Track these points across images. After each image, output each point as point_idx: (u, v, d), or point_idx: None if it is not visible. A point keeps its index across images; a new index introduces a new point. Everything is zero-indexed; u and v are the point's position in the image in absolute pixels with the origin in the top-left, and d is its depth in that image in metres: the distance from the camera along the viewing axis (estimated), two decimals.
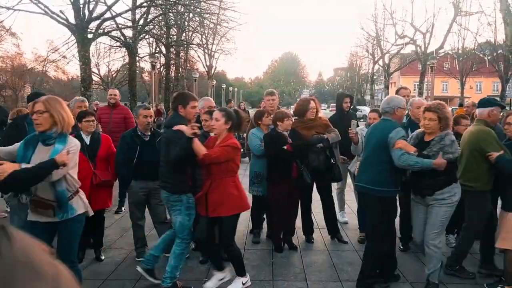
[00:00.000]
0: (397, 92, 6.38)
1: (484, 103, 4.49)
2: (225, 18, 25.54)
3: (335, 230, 5.72)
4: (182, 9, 20.74)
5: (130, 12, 17.34)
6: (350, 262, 4.91)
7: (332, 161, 5.37)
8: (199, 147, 3.85)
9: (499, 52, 29.14)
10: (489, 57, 32.20)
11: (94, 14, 13.81)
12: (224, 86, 50.64)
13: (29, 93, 5.61)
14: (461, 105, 18.40)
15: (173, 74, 29.08)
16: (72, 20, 13.37)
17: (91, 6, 13.56)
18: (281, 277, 4.52)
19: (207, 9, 20.28)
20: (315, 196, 5.71)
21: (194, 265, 4.85)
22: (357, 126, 5.86)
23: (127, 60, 22.20)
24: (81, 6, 13.27)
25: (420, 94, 28.42)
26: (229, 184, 3.95)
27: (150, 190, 4.89)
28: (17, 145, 3.40)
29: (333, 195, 5.87)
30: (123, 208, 6.88)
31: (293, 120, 5.44)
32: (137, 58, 22.45)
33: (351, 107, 6.50)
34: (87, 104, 5.72)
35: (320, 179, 5.51)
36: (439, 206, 3.95)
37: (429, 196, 3.98)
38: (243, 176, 9.33)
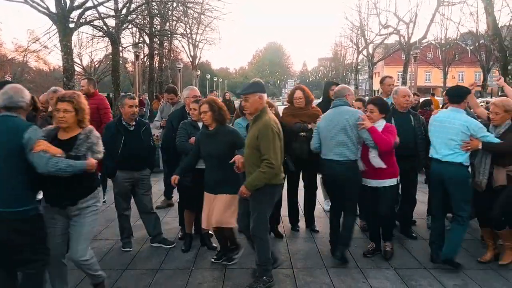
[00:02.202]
0: (382, 81, 6.46)
1: None
2: (209, 7, 25.39)
3: (310, 221, 5.78)
4: None
5: (112, 1, 17.11)
6: None
7: None
8: None
9: (481, 42, 29.50)
10: (471, 47, 32.61)
11: (76, 3, 13.57)
12: (208, 76, 50.39)
13: None
14: (433, 94, 18.83)
15: (157, 64, 28.79)
16: (53, 9, 13.14)
17: None
18: None
19: None
20: (302, 185, 5.74)
21: (181, 254, 4.86)
22: None
23: (110, 50, 21.93)
24: None
25: (404, 84, 28.64)
26: None
27: (135, 181, 4.88)
28: None
29: (318, 184, 5.90)
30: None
31: (276, 110, 5.41)
32: (120, 48, 22.18)
33: None
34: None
35: (304, 169, 5.53)
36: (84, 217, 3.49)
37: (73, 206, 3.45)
38: None
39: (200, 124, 4.90)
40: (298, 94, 5.40)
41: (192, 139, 4.74)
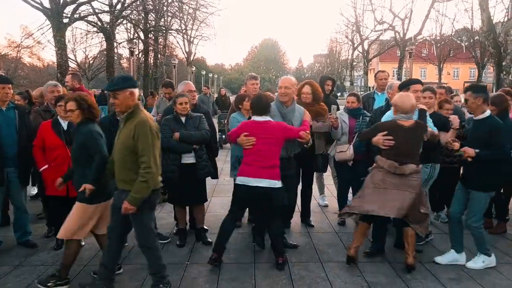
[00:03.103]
0: (375, 76, 6.48)
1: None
2: (204, 3, 25.30)
3: (305, 214, 5.78)
4: None
5: None
6: (330, 243, 4.98)
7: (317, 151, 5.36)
8: None
9: (475, 38, 29.63)
10: (466, 44, 32.75)
11: None
12: (203, 72, 50.25)
13: None
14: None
15: (151, 61, 28.69)
16: (46, 4, 13.03)
17: None
18: (263, 260, 4.57)
19: None
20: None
21: (176, 249, 4.85)
22: (337, 110, 5.89)
23: (104, 46, 21.79)
24: None
25: (399, 80, 28.71)
26: None
27: None
28: None
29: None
30: None
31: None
32: (115, 44, 22.03)
33: (333, 92, 6.51)
34: (60, 89, 5.57)
35: (303, 166, 5.49)
36: None
37: None
38: (225, 162, 9.33)
39: (183, 119, 4.88)
40: (306, 89, 5.30)
41: (177, 135, 4.72)
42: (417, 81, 4.68)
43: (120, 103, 3.52)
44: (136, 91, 3.61)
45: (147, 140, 3.43)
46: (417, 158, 4.25)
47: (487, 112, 4.26)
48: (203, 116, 5.08)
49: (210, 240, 5.00)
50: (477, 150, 4.07)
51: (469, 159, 4.09)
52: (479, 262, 4.35)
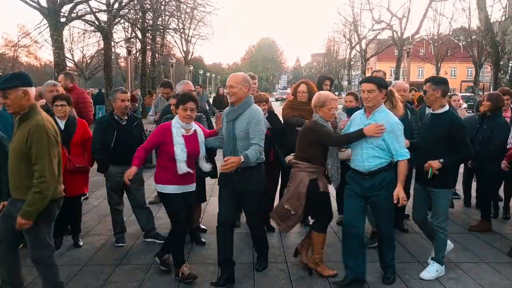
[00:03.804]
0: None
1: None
2: (202, 2, 25.28)
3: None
4: None
5: None
6: (329, 243, 4.95)
7: None
8: None
9: (473, 37, 29.70)
10: (463, 43, 32.81)
11: None
12: (201, 72, 50.24)
13: None
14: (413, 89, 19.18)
15: (149, 60, 28.65)
16: (44, 3, 13.01)
17: None
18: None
19: None
20: None
21: None
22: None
23: (102, 45, 21.78)
24: None
25: (397, 79, 28.75)
26: None
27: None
28: None
29: None
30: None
31: (268, 105, 5.36)
32: (112, 43, 22.01)
33: (330, 90, 6.49)
34: (59, 88, 5.55)
35: None
36: None
37: None
38: (220, 160, 9.31)
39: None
40: (301, 88, 5.35)
41: None
42: (364, 80, 4.03)
43: (12, 103, 3.07)
44: (32, 90, 3.15)
45: (42, 145, 3.01)
46: (304, 156, 4.07)
47: (446, 107, 4.11)
48: (203, 116, 5.08)
49: (204, 240, 5.02)
50: (441, 160, 3.92)
51: (436, 172, 3.95)
52: (433, 271, 4.17)
